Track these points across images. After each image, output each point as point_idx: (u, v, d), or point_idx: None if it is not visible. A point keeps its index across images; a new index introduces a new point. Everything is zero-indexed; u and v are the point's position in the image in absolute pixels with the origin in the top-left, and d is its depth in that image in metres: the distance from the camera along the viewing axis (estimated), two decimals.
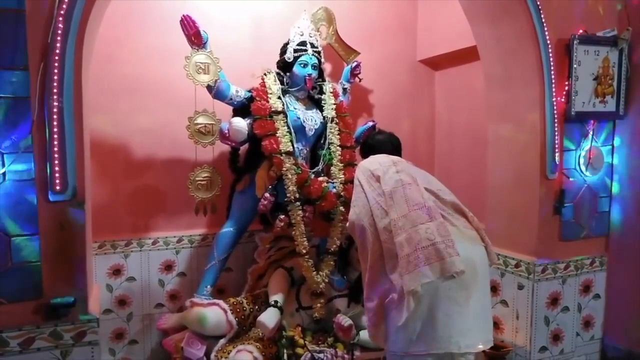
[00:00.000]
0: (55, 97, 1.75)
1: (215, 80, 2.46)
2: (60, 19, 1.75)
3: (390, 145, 2.37)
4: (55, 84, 1.75)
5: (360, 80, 3.08)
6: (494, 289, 2.68)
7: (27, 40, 1.73)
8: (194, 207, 2.60)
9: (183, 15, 2.37)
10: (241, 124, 2.52)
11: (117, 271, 2.77)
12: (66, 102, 1.78)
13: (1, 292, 1.75)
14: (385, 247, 1.89)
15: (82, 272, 1.88)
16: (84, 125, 1.89)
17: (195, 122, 2.50)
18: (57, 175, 1.78)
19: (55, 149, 1.76)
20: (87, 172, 2.02)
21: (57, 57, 1.75)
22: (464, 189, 2.67)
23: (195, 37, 2.39)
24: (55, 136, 1.76)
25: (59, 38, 1.75)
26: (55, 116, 1.76)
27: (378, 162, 2.12)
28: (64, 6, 1.75)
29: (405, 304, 1.78)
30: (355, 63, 3.01)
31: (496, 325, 2.67)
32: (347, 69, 3.02)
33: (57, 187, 1.78)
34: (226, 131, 2.52)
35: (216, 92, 2.51)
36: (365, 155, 2.39)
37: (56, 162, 1.77)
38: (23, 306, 1.78)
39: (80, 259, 1.87)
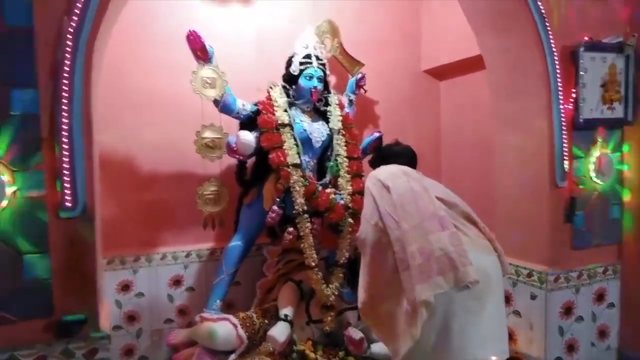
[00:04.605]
0: (65, 114, 1.76)
1: (222, 95, 2.47)
2: (70, 36, 1.76)
3: (405, 156, 2.34)
4: (65, 100, 1.76)
5: (365, 91, 3.09)
6: (507, 299, 2.64)
7: (36, 57, 1.74)
8: (202, 221, 2.60)
9: (189, 31, 2.39)
10: (248, 137, 2.52)
11: (126, 287, 2.76)
12: (76, 119, 1.78)
13: (13, 310, 1.74)
14: (398, 258, 1.87)
15: (92, 289, 1.87)
16: (93, 141, 1.90)
17: (203, 136, 2.51)
18: (67, 192, 1.78)
19: (66, 165, 1.77)
20: (97, 188, 2.02)
21: (66, 75, 1.76)
22: (472, 198, 2.62)
23: (201, 52, 2.40)
24: (66, 153, 1.77)
25: (68, 55, 1.76)
26: (65, 133, 1.76)
27: (388, 171, 2.11)
28: (73, 23, 1.76)
29: (418, 315, 1.76)
30: (360, 75, 3.02)
31: (510, 336, 2.61)
32: (352, 80, 3.04)
33: (68, 204, 1.78)
34: (234, 145, 2.52)
35: (223, 106, 2.52)
36: (377, 166, 2.37)
37: (66, 179, 1.77)
38: (34, 324, 1.77)
39: (90, 276, 1.87)
